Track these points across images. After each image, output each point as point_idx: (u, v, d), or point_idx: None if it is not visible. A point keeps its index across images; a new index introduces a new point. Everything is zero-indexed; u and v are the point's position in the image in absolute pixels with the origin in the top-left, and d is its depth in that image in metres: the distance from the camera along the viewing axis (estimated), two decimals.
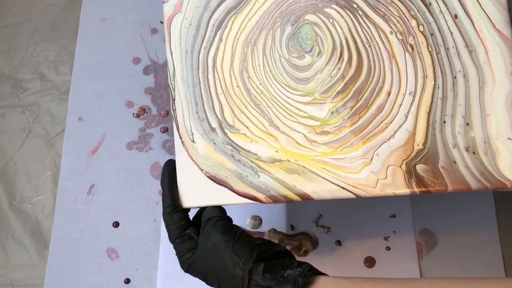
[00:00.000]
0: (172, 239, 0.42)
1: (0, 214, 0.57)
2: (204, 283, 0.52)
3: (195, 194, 0.43)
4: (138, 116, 0.60)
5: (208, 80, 0.43)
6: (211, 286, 0.41)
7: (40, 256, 0.55)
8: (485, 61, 0.37)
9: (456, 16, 0.38)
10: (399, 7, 0.39)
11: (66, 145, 0.59)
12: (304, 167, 0.40)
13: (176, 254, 0.42)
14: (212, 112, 0.43)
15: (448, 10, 0.38)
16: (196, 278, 0.42)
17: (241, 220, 0.54)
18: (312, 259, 0.52)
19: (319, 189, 0.40)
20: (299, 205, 0.55)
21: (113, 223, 0.55)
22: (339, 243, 0.53)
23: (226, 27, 0.43)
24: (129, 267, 0.54)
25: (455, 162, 0.37)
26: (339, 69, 0.40)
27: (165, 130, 0.59)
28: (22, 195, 0.57)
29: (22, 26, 0.64)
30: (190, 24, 0.44)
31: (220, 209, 0.43)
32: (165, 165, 0.45)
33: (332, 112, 0.40)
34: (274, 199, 0.41)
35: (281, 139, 0.41)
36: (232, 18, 0.43)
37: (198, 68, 0.44)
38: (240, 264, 0.38)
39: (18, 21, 0.65)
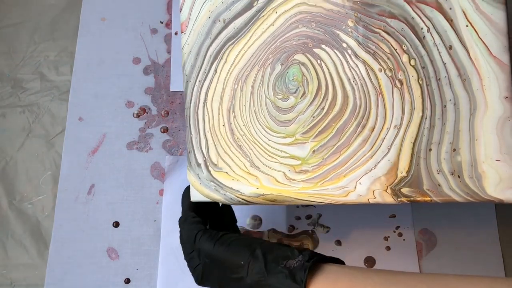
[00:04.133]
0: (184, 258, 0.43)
1: (0, 214, 0.57)
2: None
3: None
4: (138, 116, 0.60)
5: (197, 115, 0.43)
6: None
7: (40, 256, 0.55)
8: (478, 88, 0.36)
9: (450, 47, 0.37)
10: (390, 44, 0.38)
11: (66, 145, 0.59)
12: (290, 197, 0.40)
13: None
14: (199, 148, 0.43)
15: (442, 42, 0.37)
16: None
17: (241, 220, 0.54)
18: None
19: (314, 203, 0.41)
20: (300, 205, 0.55)
21: (113, 223, 0.55)
22: (339, 243, 0.53)
23: (222, 58, 0.42)
24: (129, 267, 0.54)
25: (439, 185, 0.37)
26: (323, 108, 0.40)
27: (165, 130, 0.59)
28: (22, 195, 0.57)
29: (22, 26, 0.64)
30: (190, 52, 0.43)
31: (199, 222, 0.43)
32: (184, 190, 0.46)
33: (314, 151, 0.40)
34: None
35: (261, 178, 0.41)
36: (229, 49, 0.42)
37: (191, 101, 0.43)
38: (241, 267, 0.37)
39: (18, 21, 0.65)
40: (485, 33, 0.36)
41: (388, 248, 0.53)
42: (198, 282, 0.41)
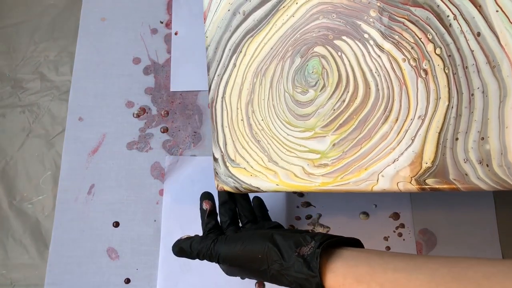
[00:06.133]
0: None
1: (0, 214, 0.57)
2: (202, 283, 0.52)
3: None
4: (138, 116, 0.60)
5: (215, 110, 0.42)
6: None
7: (40, 256, 0.55)
8: (509, 74, 0.34)
9: (479, 34, 0.35)
10: (415, 33, 0.37)
11: (66, 145, 0.59)
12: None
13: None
14: (216, 143, 0.42)
15: (470, 29, 0.35)
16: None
17: None
18: None
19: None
20: (300, 205, 0.55)
21: (113, 223, 0.55)
22: None
23: (241, 52, 0.42)
24: (129, 267, 0.54)
25: (466, 175, 0.36)
26: (344, 101, 0.39)
27: (165, 130, 0.59)
28: (22, 195, 0.57)
29: (22, 26, 0.64)
30: (209, 45, 0.42)
31: (212, 229, 0.43)
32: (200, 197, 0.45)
33: (334, 144, 0.39)
34: None
35: (279, 173, 0.41)
36: (248, 41, 0.41)
37: (208, 95, 0.43)
38: (260, 260, 0.37)
39: (18, 21, 0.65)
40: None
41: (388, 248, 0.53)
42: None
